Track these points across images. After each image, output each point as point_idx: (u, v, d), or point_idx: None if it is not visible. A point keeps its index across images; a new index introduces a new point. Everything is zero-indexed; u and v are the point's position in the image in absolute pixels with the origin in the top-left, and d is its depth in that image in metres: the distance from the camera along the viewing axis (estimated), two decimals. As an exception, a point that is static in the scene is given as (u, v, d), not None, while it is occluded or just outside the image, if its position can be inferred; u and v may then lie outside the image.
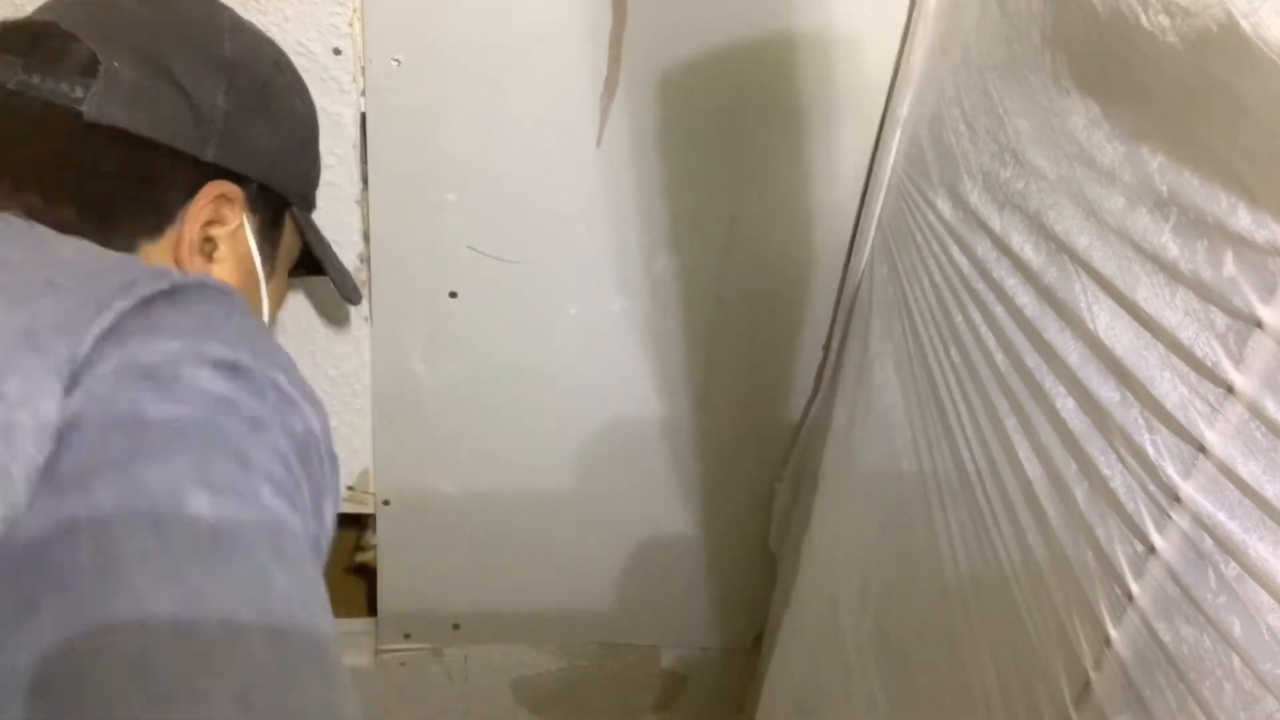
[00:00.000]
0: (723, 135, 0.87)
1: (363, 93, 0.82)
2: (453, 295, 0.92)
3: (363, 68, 0.80)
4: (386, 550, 1.06)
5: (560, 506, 1.07)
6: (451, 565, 1.09)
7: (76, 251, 0.48)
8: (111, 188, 0.57)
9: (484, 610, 1.14)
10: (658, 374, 0.99)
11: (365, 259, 0.89)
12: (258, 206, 0.65)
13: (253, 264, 0.65)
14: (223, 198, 0.61)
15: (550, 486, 1.05)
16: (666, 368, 0.99)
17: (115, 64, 0.57)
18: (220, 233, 0.62)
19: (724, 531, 1.11)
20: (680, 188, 0.89)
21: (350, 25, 0.78)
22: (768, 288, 0.96)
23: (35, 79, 0.56)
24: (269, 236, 0.67)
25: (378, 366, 0.95)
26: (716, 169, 0.89)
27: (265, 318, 0.68)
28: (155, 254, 0.58)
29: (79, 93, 0.56)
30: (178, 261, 0.59)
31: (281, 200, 0.69)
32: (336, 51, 0.79)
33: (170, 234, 0.59)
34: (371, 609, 1.12)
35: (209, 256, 0.61)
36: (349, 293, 0.80)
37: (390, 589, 1.09)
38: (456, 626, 1.15)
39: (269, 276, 0.67)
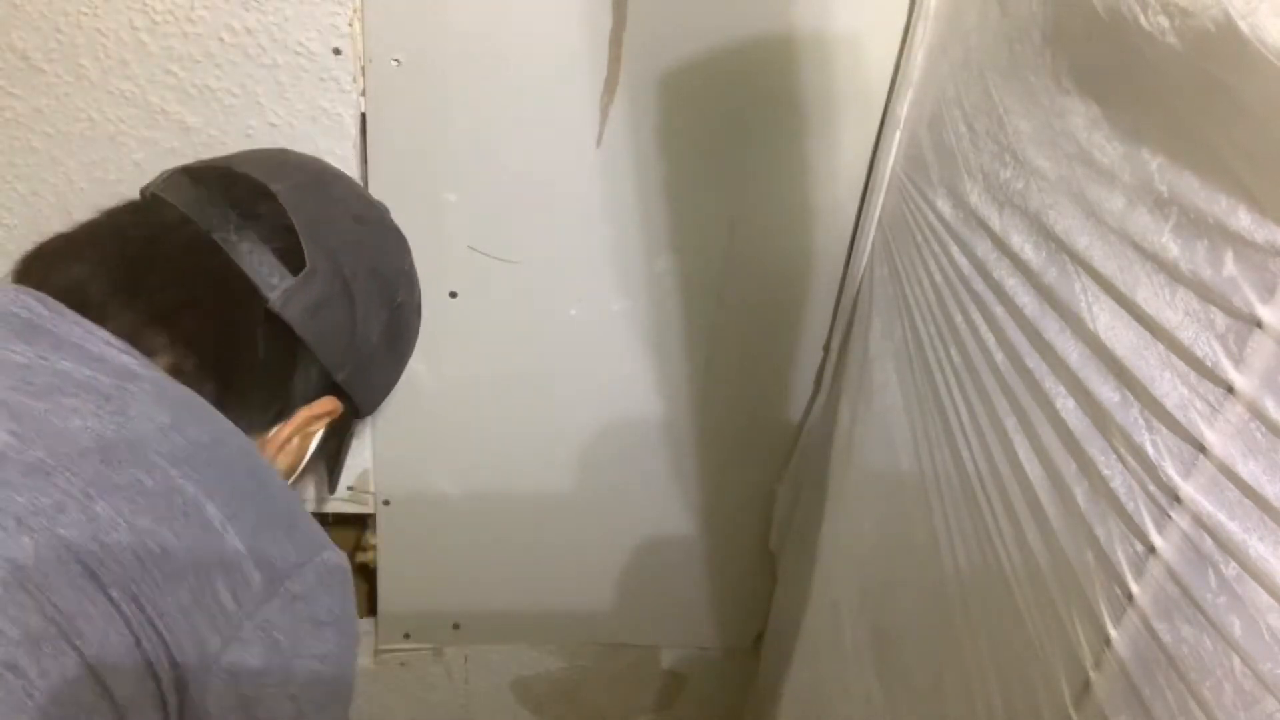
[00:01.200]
0: (723, 135, 0.87)
1: (363, 93, 0.82)
2: (453, 295, 0.92)
3: (363, 68, 0.80)
4: (386, 550, 1.06)
5: (560, 506, 1.07)
6: (451, 565, 1.09)
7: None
8: (258, 374, 0.59)
9: (484, 610, 1.14)
10: (658, 374, 0.99)
11: (365, 259, 0.89)
12: (338, 419, 0.68)
13: (304, 460, 0.68)
14: (329, 412, 0.65)
15: (550, 486, 1.05)
16: (666, 368, 0.99)
17: (316, 268, 0.59)
18: (302, 432, 0.65)
19: (724, 531, 1.11)
20: (680, 188, 0.89)
21: (350, 25, 0.78)
22: (768, 288, 0.96)
23: (242, 246, 0.58)
24: (327, 436, 0.70)
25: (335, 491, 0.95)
26: (716, 169, 0.89)
27: None
28: (260, 439, 0.61)
29: (275, 280, 0.58)
30: (264, 448, 0.62)
31: (357, 414, 0.72)
32: (336, 51, 0.79)
33: (279, 428, 0.62)
34: (371, 609, 1.12)
35: (280, 448, 0.64)
36: (334, 485, 0.84)
37: (390, 589, 1.09)
38: (456, 626, 1.15)
39: (308, 468, 0.70)
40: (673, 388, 1.00)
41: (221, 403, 0.55)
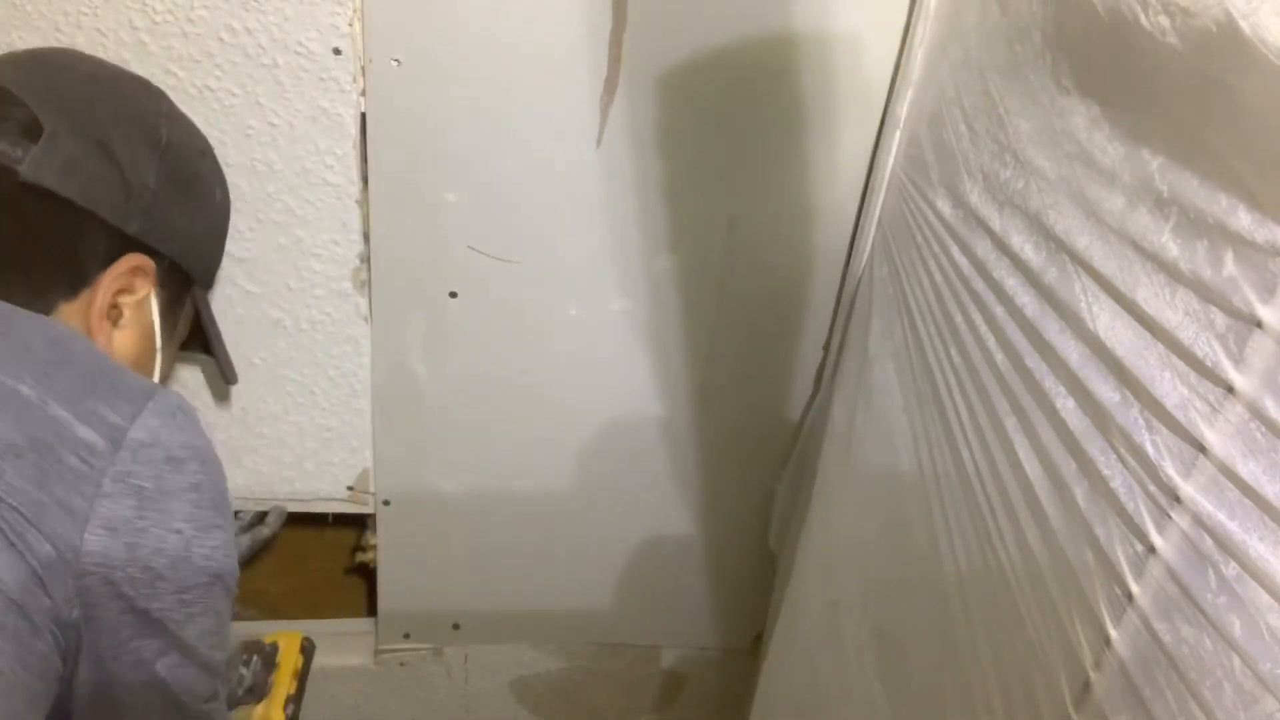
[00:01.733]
0: (723, 135, 0.87)
1: (363, 93, 0.82)
2: (453, 295, 0.92)
3: (363, 68, 0.80)
4: (386, 550, 1.06)
5: (560, 506, 1.07)
6: (451, 565, 1.09)
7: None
8: (36, 248, 0.61)
9: (484, 610, 1.14)
10: (658, 374, 0.99)
11: (365, 259, 0.89)
12: (165, 281, 0.70)
13: (153, 334, 0.69)
14: (137, 269, 0.66)
15: (550, 486, 1.05)
16: (666, 368, 0.99)
17: (56, 130, 0.61)
18: (128, 301, 0.66)
19: (724, 531, 1.11)
20: (680, 188, 0.89)
21: (350, 25, 0.78)
22: (768, 287, 0.96)
23: None
24: (171, 310, 0.72)
25: (378, 366, 0.95)
26: (716, 169, 0.89)
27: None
28: (68, 313, 0.62)
29: (19, 153, 0.59)
30: (86, 323, 0.63)
31: (187, 279, 0.74)
32: (336, 51, 0.79)
33: (84, 296, 0.63)
34: (371, 609, 1.12)
35: (114, 322, 0.65)
36: (229, 373, 0.86)
37: (390, 589, 1.09)
38: (456, 626, 1.15)
39: (164, 346, 0.71)
40: (672, 387, 1.00)
41: (8, 286, 0.58)
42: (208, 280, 0.79)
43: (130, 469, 0.51)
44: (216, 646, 0.59)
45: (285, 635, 0.92)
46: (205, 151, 0.76)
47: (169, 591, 0.53)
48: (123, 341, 0.66)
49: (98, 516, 0.49)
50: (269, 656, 0.88)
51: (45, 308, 0.61)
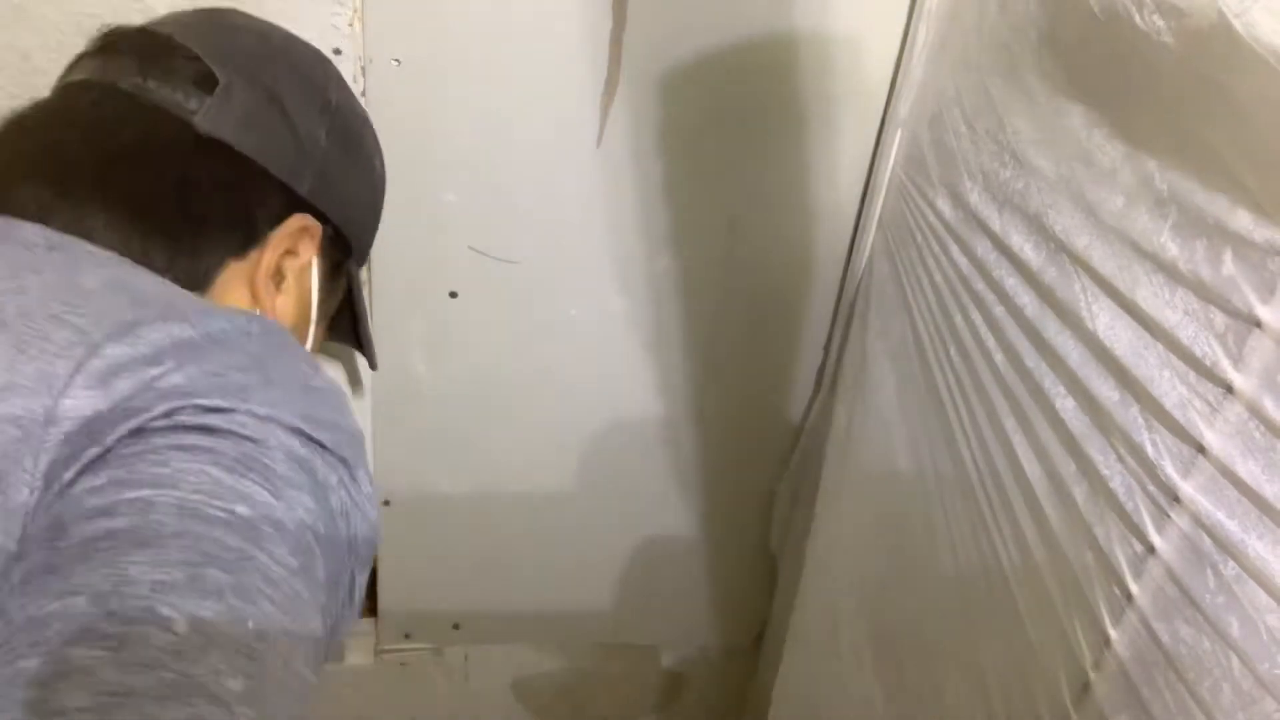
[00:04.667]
0: (723, 135, 0.87)
1: (363, 93, 0.81)
2: (453, 295, 0.92)
3: (363, 68, 0.80)
4: (386, 550, 1.06)
5: (560, 507, 1.07)
6: (451, 565, 1.09)
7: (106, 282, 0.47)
8: (209, 203, 0.58)
9: (484, 610, 1.14)
10: (658, 374, 0.99)
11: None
12: (327, 250, 0.67)
13: (310, 303, 0.66)
14: (305, 230, 0.63)
15: (550, 487, 1.05)
16: (666, 368, 0.99)
17: (231, 82, 0.58)
18: (291, 265, 0.63)
19: (724, 532, 1.11)
20: (680, 188, 0.89)
21: (350, 25, 0.78)
22: (768, 288, 0.96)
23: (151, 84, 0.57)
24: (330, 281, 0.69)
25: (378, 366, 0.95)
26: (716, 169, 0.89)
27: None
28: (236, 273, 0.59)
29: (194, 104, 0.57)
30: (253, 283, 0.60)
31: (346, 250, 0.71)
32: (336, 51, 0.79)
33: (253, 255, 0.60)
34: (372, 609, 1.12)
35: (277, 286, 0.62)
36: (372, 359, 0.83)
37: (390, 589, 1.09)
38: (456, 626, 1.15)
39: (319, 319, 0.68)
40: (672, 387, 1.00)
41: (174, 243, 0.54)
42: (363, 254, 0.76)
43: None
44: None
45: None
46: (367, 120, 0.73)
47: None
48: (284, 305, 0.62)
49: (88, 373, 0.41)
50: None
51: (215, 265, 0.57)
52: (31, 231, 0.50)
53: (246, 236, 0.59)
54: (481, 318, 0.94)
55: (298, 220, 0.62)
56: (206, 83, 0.58)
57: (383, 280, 0.90)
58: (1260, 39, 0.36)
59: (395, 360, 0.95)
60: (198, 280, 0.56)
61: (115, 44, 0.60)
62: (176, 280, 0.53)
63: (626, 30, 0.81)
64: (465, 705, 1.23)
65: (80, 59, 0.61)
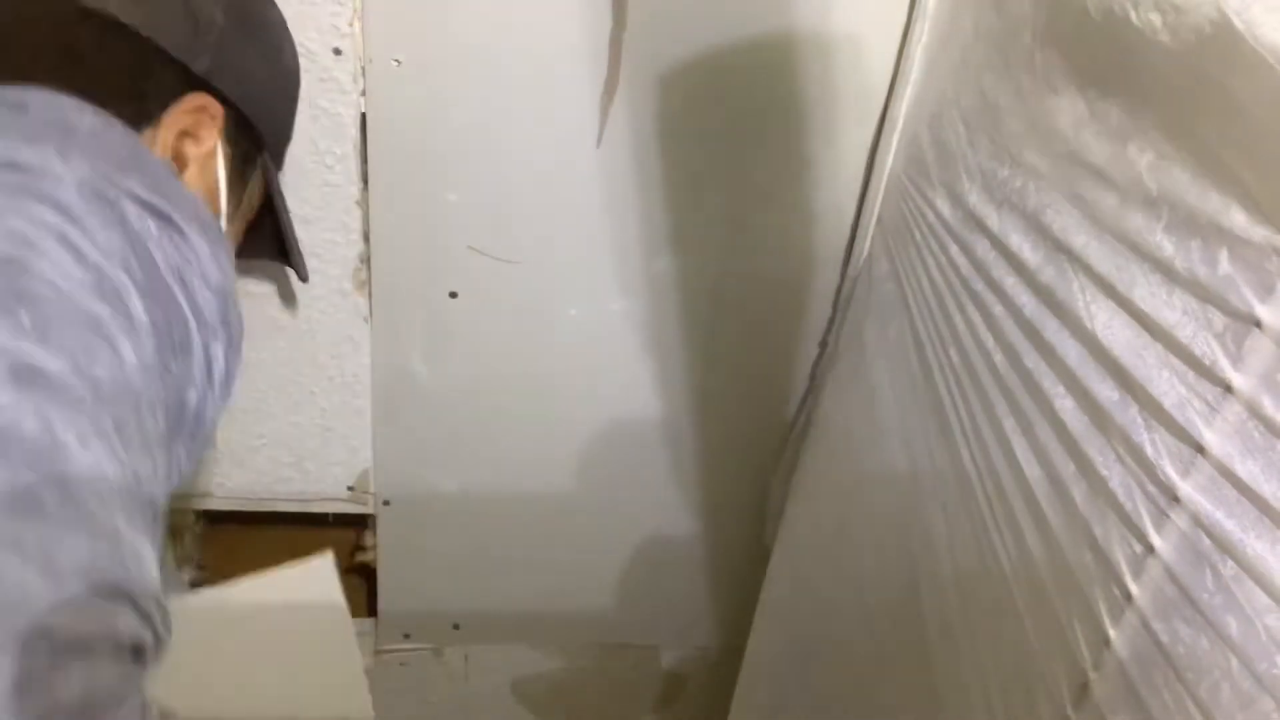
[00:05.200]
0: (723, 135, 0.87)
1: (363, 93, 0.82)
2: (453, 295, 0.92)
3: (363, 68, 0.80)
4: (386, 550, 1.06)
5: (560, 507, 1.07)
6: (451, 565, 1.09)
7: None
8: (98, 77, 0.56)
9: (484, 610, 1.14)
10: (657, 374, 0.99)
11: (365, 259, 0.89)
12: (233, 138, 0.64)
13: (218, 192, 0.63)
14: (203, 110, 0.60)
15: (550, 486, 1.05)
16: (666, 368, 0.99)
17: None
18: (194, 151, 0.60)
19: (724, 531, 1.11)
20: (680, 188, 0.89)
21: (350, 25, 0.78)
22: (767, 287, 0.96)
23: None
24: (240, 174, 0.66)
25: (378, 366, 0.95)
26: (716, 169, 0.89)
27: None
28: None
29: None
30: None
31: (257, 142, 0.68)
32: (336, 51, 0.79)
33: (147, 134, 0.58)
34: (371, 609, 1.12)
35: (179, 172, 0.59)
36: (301, 267, 0.79)
37: (390, 589, 1.09)
38: (456, 626, 1.15)
39: (230, 218, 0.65)
40: (672, 387, 1.00)
41: None
42: (278, 148, 0.73)
43: None
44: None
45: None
46: (273, 4, 0.71)
47: None
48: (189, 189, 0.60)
49: None
50: None
51: None
52: None
53: (137, 114, 0.57)
54: (481, 318, 0.94)
55: (194, 99, 0.60)
56: None
57: (383, 280, 0.90)
58: (1260, 38, 0.36)
59: (395, 360, 0.95)
60: None
61: None
62: None
63: (626, 30, 0.81)
64: (465, 705, 1.23)
65: None
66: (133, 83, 0.57)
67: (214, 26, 0.61)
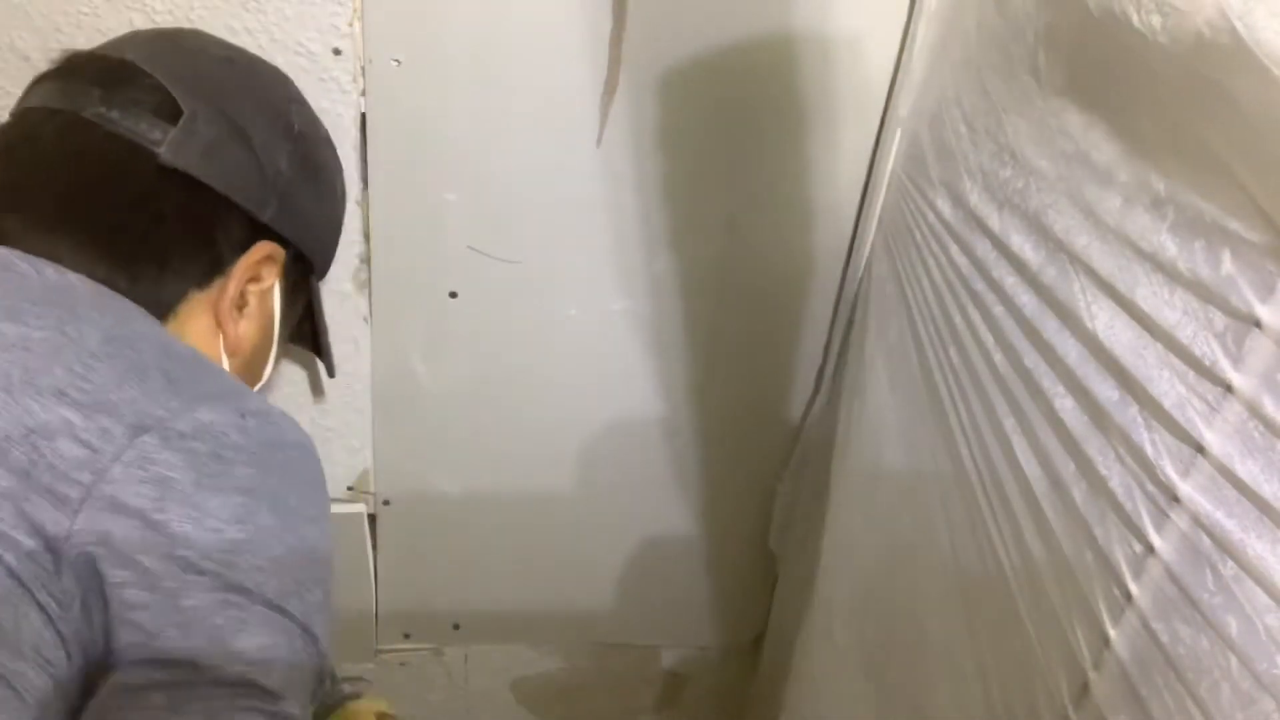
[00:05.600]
0: (723, 135, 0.87)
1: (363, 93, 0.82)
2: (453, 295, 0.92)
3: (363, 68, 0.80)
4: (386, 550, 1.06)
5: (560, 507, 1.07)
6: (451, 565, 1.09)
7: (103, 342, 0.49)
8: (173, 234, 0.58)
9: (484, 610, 1.14)
10: (658, 374, 0.99)
11: (365, 259, 0.89)
12: (289, 271, 0.68)
13: (273, 324, 0.67)
14: (269, 258, 0.64)
15: (550, 487, 1.05)
16: (666, 368, 0.99)
17: (195, 112, 0.58)
18: (254, 290, 0.64)
19: (724, 531, 1.11)
20: (680, 187, 0.89)
21: (350, 25, 0.78)
22: (768, 287, 0.96)
23: (114, 114, 0.57)
24: (291, 300, 0.70)
25: (378, 366, 0.95)
26: (716, 169, 0.89)
27: (265, 375, 0.71)
28: (200, 303, 0.60)
29: (158, 135, 0.57)
30: (216, 312, 0.61)
31: (308, 268, 0.72)
32: (336, 51, 0.79)
33: (217, 284, 0.61)
34: (372, 609, 1.12)
35: (240, 311, 0.63)
36: (330, 367, 0.85)
37: (390, 589, 1.09)
38: (456, 626, 1.15)
39: (280, 337, 0.69)
40: (672, 387, 1.00)
41: (139, 273, 0.55)
42: (325, 271, 0.77)
43: (154, 455, 0.45)
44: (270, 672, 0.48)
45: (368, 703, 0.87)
46: (328, 140, 0.74)
47: (203, 589, 0.46)
48: (246, 329, 0.63)
49: (96, 500, 0.43)
50: None
51: (176, 295, 0.58)
52: (12, 257, 0.51)
53: (210, 266, 0.60)
54: (481, 318, 0.94)
55: (262, 249, 0.63)
56: (170, 112, 0.58)
57: (383, 280, 0.90)
58: (1261, 41, 0.36)
59: (395, 360, 0.95)
60: (161, 309, 0.57)
61: (77, 69, 0.60)
62: (142, 304, 0.54)
63: (626, 30, 0.81)
64: (465, 705, 1.23)
65: (41, 80, 0.61)
66: (209, 238, 0.60)
67: (281, 176, 0.64)
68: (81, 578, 0.44)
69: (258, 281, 0.64)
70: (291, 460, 0.53)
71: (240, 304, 0.63)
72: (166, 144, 0.57)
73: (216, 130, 0.60)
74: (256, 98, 0.65)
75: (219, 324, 0.61)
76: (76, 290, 0.52)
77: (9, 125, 0.60)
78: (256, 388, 0.69)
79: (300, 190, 0.67)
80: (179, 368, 0.51)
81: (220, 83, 0.63)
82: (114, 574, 0.44)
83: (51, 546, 0.43)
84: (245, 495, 0.48)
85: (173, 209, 0.58)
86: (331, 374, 0.87)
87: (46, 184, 0.56)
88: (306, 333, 0.80)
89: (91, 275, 0.53)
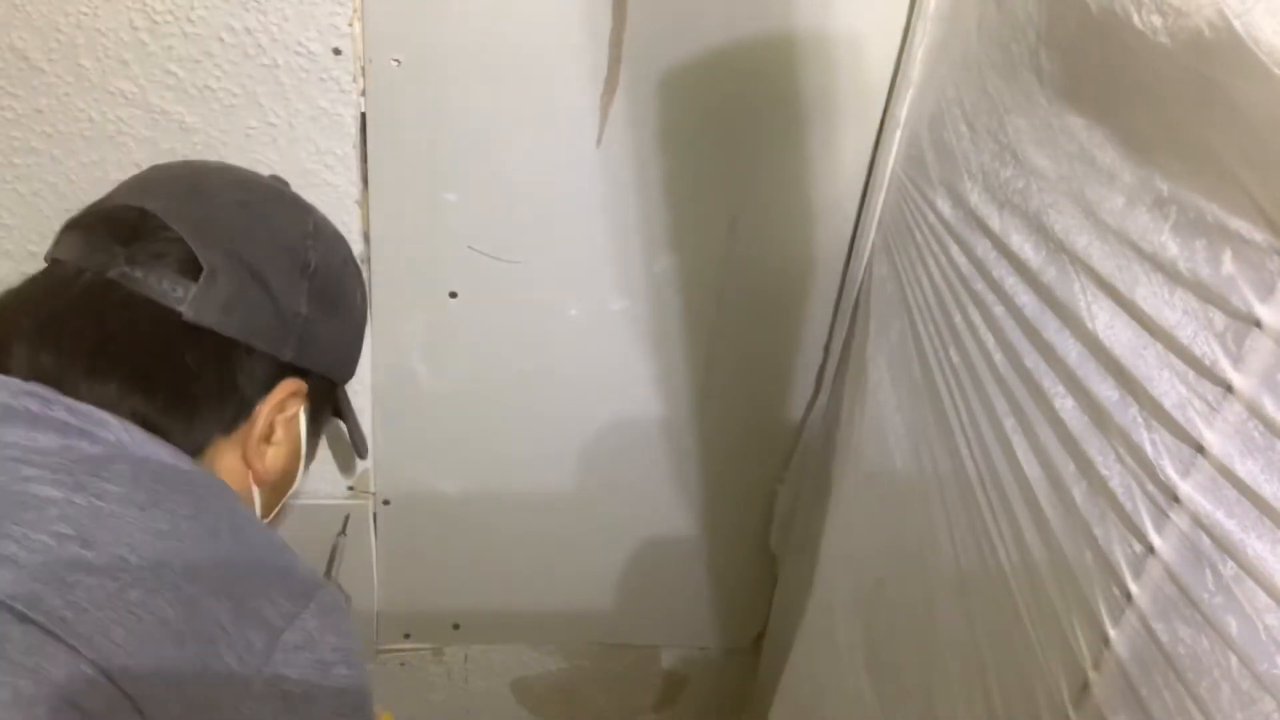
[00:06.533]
0: (723, 135, 0.87)
1: (363, 93, 0.82)
2: (453, 295, 0.92)
3: (363, 68, 0.80)
4: (386, 550, 1.06)
5: (560, 507, 1.07)
6: (451, 565, 1.09)
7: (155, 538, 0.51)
8: (198, 384, 0.60)
9: (484, 610, 1.14)
10: (658, 374, 0.99)
11: (365, 259, 0.89)
12: (313, 394, 0.69)
13: (299, 447, 0.69)
14: (293, 394, 0.66)
15: (550, 487, 1.05)
16: (666, 368, 0.99)
17: (215, 267, 0.60)
18: (280, 419, 0.66)
19: (724, 531, 1.11)
20: (680, 188, 0.89)
21: (350, 25, 0.78)
22: (768, 287, 0.96)
23: (138, 274, 0.59)
24: (316, 419, 0.72)
25: (378, 366, 0.95)
26: (716, 169, 0.89)
27: (292, 491, 0.73)
28: (228, 444, 0.62)
29: (180, 293, 0.59)
30: (245, 451, 0.63)
31: (334, 385, 0.74)
32: (336, 51, 0.79)
33: (244, 427, 0.63)
34: (372, 609, 1.12)
35: (267, 441, 0.65)
36: (362, 449, 0.87)
37: (390, 589, 1.09)
38: (456, 626, 1.15)
39: (308, 453, 0.71)
40: (673, 388, 1.00)
41: (173, 428, 0.57)
42: (349, 378, 0.79)
43: (281, 673, 0.51)
44: None
45: None
46: (347, 259, 0.75)
47: None
48: (274, 458, 0.65)
49: (241, 717, 0.49)
50: None
51: (204, 440, 0.60)
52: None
53: (237, 411, 0.62)
54: (481, 318, 0.94)
55: (286, 386, 0.65)
56: (190, 268, 0.60)
57: (383, 280, 0.90)
58: (1260, 41, 0.36)
59: (395, 360, 0.95)
60: (193, 450, 0.59)
61: (100, 224, 0.62)
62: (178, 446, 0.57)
63: (626, 30, 0.81)
64: (465, 705, 1.23)
65: (68, 230, 0.63)
66: (233, 386, 0.62)
67: (299, 318, 0.66)
68: None
69: (283, 411, 0.66)
70: (357, 651, 0.58)
71: (267, 435, 0.65)
72: (189, 302, 0.59)
73: (235, 282, 0.61)
74: (272, 242, 0.67)
75: (246, 461, 0.64)
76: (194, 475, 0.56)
77: (39, 278, 0.62)
78: (280, 503, 0.72)
79: (320, 324, 0.68)
80: (273, 560, 0.56)
81: (237, 230, 0.64)
82: None
83: None
84: (339, 698, 0.55)
85: (196, 360, 0.60)
86: (362, 456, 0.89)
87: (78, 334, 0.58)
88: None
89: (133, 419, 0.56)
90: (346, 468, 1.00)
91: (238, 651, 0.49)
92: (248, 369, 0.63)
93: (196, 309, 0.59)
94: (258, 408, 0.63)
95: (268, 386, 0.64)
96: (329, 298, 0.70)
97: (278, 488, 0.69)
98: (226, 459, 0.62)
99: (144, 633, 0.46)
